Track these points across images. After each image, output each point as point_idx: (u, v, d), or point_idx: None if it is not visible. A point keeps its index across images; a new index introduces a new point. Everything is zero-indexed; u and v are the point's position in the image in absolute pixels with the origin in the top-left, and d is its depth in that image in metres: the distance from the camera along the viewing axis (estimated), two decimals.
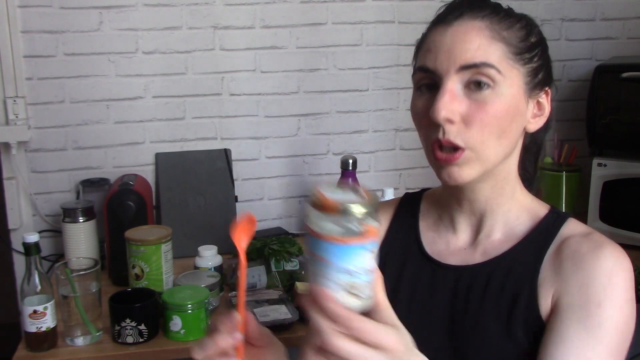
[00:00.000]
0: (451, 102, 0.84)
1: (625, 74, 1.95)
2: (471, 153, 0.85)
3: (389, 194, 1.90)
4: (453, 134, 0.84)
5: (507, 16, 0.88)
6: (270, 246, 1.73)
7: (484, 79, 0.84)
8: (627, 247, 1.78)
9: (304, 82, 2.11)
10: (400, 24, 2.12)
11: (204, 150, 2.07)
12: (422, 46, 0.90)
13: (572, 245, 0.88)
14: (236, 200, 2.04)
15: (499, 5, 0.90)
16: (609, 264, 0.85)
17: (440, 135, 0.85)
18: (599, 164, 1.98)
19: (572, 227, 0.92)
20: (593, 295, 0.83)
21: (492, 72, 0.84)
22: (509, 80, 0.85)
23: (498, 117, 0.85)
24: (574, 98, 2.29)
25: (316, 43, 2.09)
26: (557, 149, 2.21)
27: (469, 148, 0.85)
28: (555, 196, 2.09)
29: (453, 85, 0.85)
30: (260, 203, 2.15)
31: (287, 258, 1.72)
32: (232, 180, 2.04)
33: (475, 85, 0.84)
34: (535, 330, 0.87)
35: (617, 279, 0.84)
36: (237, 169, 2.10)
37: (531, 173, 1.00)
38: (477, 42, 0.84)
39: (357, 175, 1.99)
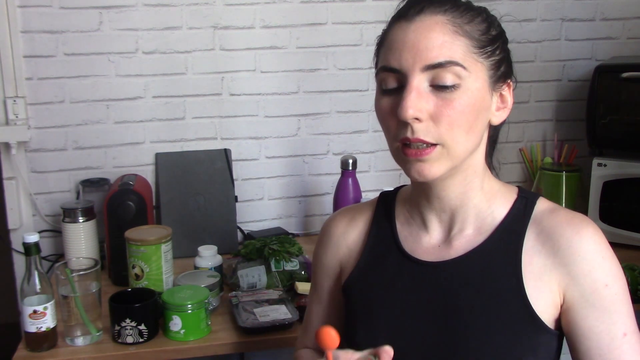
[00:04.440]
0: (418, 100, 0.83)
1: (625, 74, 1.95)
2: (442, 149, 0.85)
3: None
4: (422, 131, 0.84)
5: (467, 10, 0.88)
6: (270, 246, 1.73)
7: (449, 77, 0.83)
8: (627, 247, 1.79)
9: (304, 82, 2.11)
10: None
11: (204, 150, 2.07)
12: (384, 43, 0.89)
13: (551, 229, 0.90)
14: (236, 200, 2.05)
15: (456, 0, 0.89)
16: (595, 240, 0.89)
17: (409, 134, 0.85)
18: (599, 164, 1.98)
19: (542, 208, 0.94)
20: (597, 279, 0.88)
21: (457, 69, 0.84)
22: (474, 74, 0.85)
23: (465, 112, 0.85)
24: (574, 98, 2.29)
25: (316, 43, 2.09)
26: (557, 149, 2.21)
27: (440, 144, 0.85)
28: (555, 196, 2.09)
29: (419, 84, 0.84)
30: (260, 203, 2.15)
31: (287, 258, 1.72)
32: (232, 180, 2.05)
33: (441, 82, 0.84)
34: (525, 319, 0.88)
35: (606, 252, 0.89)
36: (237, 169, 2.10)
37: (488, 166, 1.00)
38: (441, 39, 0.84)
39: (357, 175, 1.99)
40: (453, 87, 0.84)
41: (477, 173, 0.93)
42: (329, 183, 2.18)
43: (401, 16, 0.87)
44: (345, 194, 1.96)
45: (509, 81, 0.92)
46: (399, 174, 2.23)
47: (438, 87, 0.84)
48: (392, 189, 1.09)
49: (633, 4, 2.26)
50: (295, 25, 2.07)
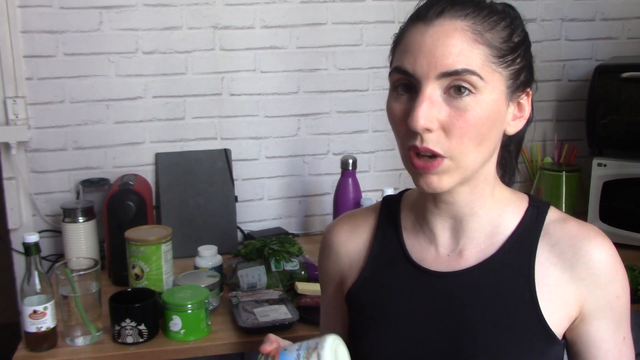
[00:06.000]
0: (430, 110, 0.80)
1: (625, 74, 1.95)
2: (450, 162, 0.83)
3: (389, 194, 1.90)
4: (432, 141, 0.82)
5: (491, 14, 0.84)
6: (270, 246, 1.73)
7: (464, 85, 0.80)
8: (627, 247, 1.79)
9: (304, 82, 2.11)
10: (400, 24, 2.10)
11: (204, 150, 2.07)
12: (400, 43, 0.86)
13: (568, 242, 0.89)
14: (236, 200, 2.05)
15: (479, 2, 0.85)
16: (610, 253, 0.89)
17: (418, 143, 0.82)
18: (599, 164, 1.98)
19: (553, 218, 0.93)
20: (611, 292, 0.89)
21: (473, 78, 0.80)
22: (491, 85, 0.82)
23: (478, 124, 0.81)
24: (574, 98, 2.29)
25: (316, 43, 2.09)
26: (557, 149, 2.21)
27: (449, 157, 0.82)
28: (555, 196, 2.09)
29: (432, 92, 0.81)
30: (260, 203, 2.15)
31: (287, 258, 1.72)
32: (232, 180, 2.05)
33: (455, 91, 0.81)
34: (537, 331, 0.87)
35: (618, 264, 0.90)
36: (237, 169, 2.10)
37: (511, 170, 0.99)
38: (459, 46, 0.80)
39: (357, 175, 1.98)
40: (467, 97, 0.80)
41: (488, 181, 0.91)
42: (329, 183, 2.17)
43: (420, 17, 0.84)
44: (345, 194, 1.96)
45: (528, 90, 0.88)
46: (399, 174, 2.23)
47: (452, 95, 0.81)
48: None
49: (633, 4, 2.26)
50: (295, 25, 2.07)
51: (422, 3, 0.86)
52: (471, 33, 0.81)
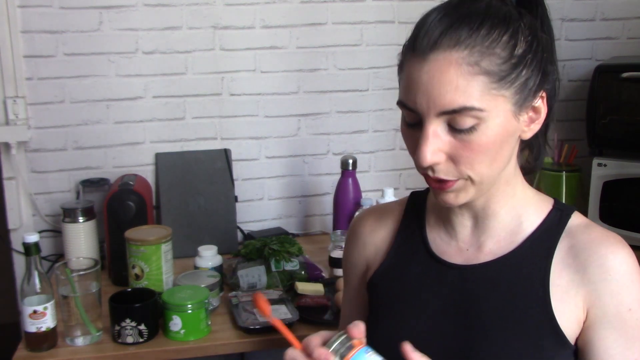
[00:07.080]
0: (435, 144, 0.81)
1: (625, 74, 1.95)
2: (464, 181, 0.84)
3: (389, 194, 1.90)
4: (442, 172, 0.83)
5: (491, 31, 0.80)
6: (270, 246, 1.73)
7: (466, 120, 0.80)
8: None
9: (304, 82, 2.11)
10: (400, 24, 2.12)
11: (204, 150, 2.07)
12: (401, 72, 0.86)
13: (585, 245, 0.89)
14: (236, 200, 2.05)
15: (477, 18, 0.81)
16: (628, 262, 0.87)
17: (430, 173, 0.84)
18: (599, 164, 1.98)
19: (576, 222, 0.92)
20: (623, 302, 0.87)
21: (473, 112, 0.79)
22: (494, 111, 0.80)
23: (486, 150, 0.82)
24: (574, 98, 2.29)
25: (316, 43, 2.09)
26: (557, 149, 2.21)
27: (462, 178, 0.84)
28: (555, 196, 2.07)
29: (436, 127, 0.81)
30: (260, 203, 2.15)
31: (287, 258, 1.72)
32: (232, 180, 2.05)
33: (457, 126, 0.81)
34: (547, 331, 0.87)
35: (636, 275, 0.88)
36: (237, 169, 2.10)
37: (539, 148, 0.97)
38: (455, 82, 0.78)
39: (357, 175, 1.99)
40: (470, 129, 0.80)
41: (508, 182, 0.92)
42: (329, 183, 2.18)
43: (415, 49, 0.82)
44: (345, 194, 1.96)
45: (541, 93, 0.86)
46: (399, 174, 2.23)
47: (456, 129, 0.81)
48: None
49: (633, 4, 2.26)
50: (295, 25, 2.07)
51: (416, 31, 0.84)
52: (466, 66, 0.79)
